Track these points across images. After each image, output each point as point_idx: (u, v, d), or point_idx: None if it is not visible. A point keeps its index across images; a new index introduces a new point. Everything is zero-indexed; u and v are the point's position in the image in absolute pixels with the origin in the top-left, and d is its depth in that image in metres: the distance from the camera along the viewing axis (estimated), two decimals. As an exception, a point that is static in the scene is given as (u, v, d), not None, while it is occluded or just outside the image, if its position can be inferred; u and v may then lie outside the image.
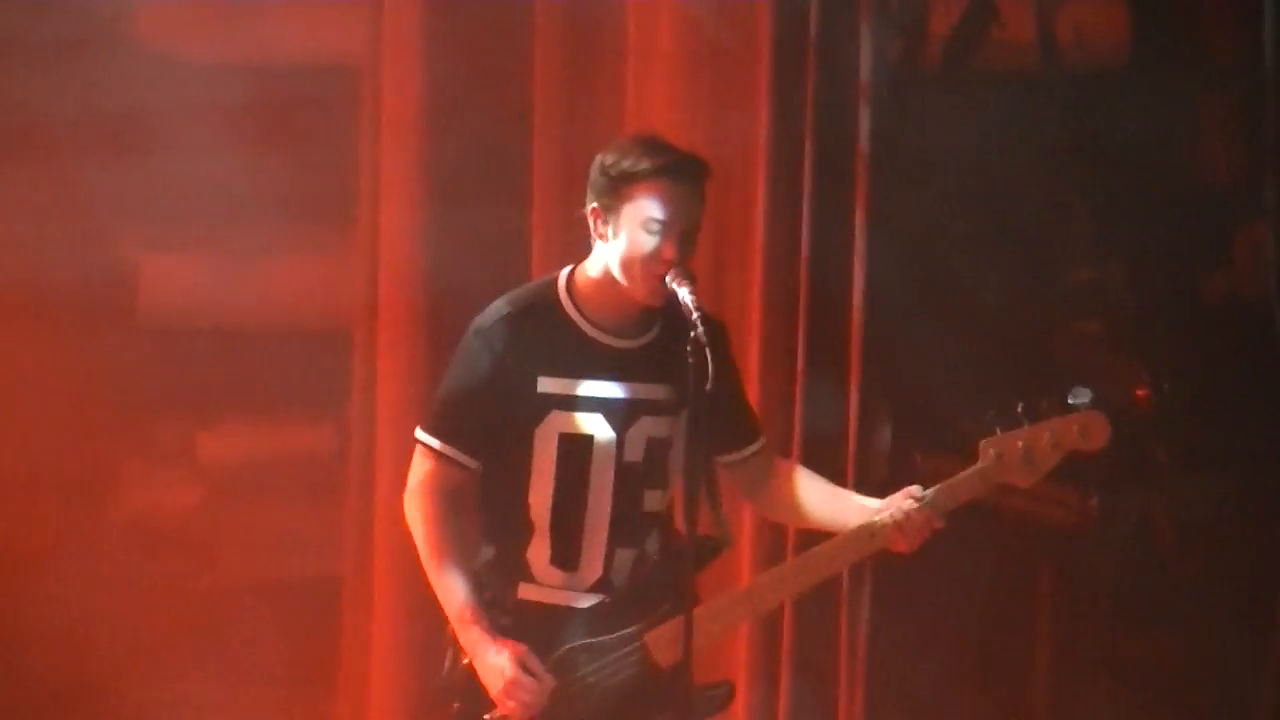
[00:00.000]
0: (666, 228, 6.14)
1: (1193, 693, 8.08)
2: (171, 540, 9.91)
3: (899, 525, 6.21)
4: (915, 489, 6.25)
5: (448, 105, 9.05)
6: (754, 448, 6.51)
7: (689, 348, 5.97)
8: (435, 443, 6.38)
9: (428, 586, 6.50)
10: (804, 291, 8.12)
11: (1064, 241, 8.29)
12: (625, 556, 6.34)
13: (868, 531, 6.23)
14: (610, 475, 6.32)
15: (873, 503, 6.30)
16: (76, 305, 9.58)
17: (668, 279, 6.12)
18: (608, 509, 6.33)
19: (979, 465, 6.23)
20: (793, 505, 6.53)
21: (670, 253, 6.12)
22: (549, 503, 6.34)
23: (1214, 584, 8.04)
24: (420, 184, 9.09)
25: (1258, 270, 7.94)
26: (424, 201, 9.08)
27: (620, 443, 6.32)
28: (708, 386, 5.95)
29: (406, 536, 8.52)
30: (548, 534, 6.35)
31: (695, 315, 6.00)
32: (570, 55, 8.85)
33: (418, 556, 6.46)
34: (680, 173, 6.21)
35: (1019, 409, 6.23)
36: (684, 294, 6.06)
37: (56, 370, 9.55)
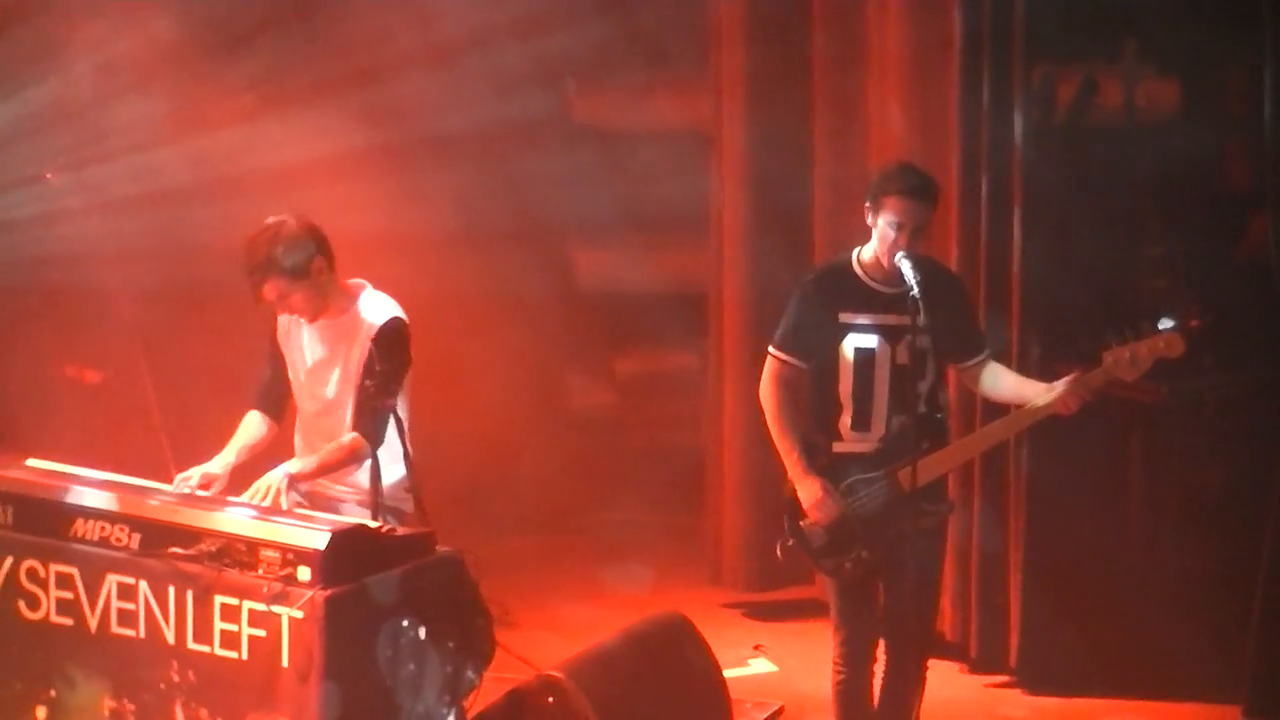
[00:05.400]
0: (901, 228, 6.27)
1: (1227, 505, 8.08)
2: (596, 425, 10.67)
3: (1063, 399, 6.26)
4: (1073, 376, 6.30)
5: (762, 154, 9.17)
6: (979, 358, 6.57)
7: (907, 303, 6.15)
8: (778, 352, 6.50)
9: (761, 456, 6.71)
10: (982, 264, 8.10)
11: (1142, 228, 8.20)
12: (898, 421, 6.39)
13: (1046, 401, 6.30)
14: (887, 371, 6.39)
15: (1046, 385, 6.36)
16: (540, 282, 10.30)
17: (898, 258, 6.23)
18: (887, 392, 6.40)
19: (1103, 366, 6.31)
20: (1002, 391, 6.55)
21: (902, 244, 6.26)
22: (851, 390, 6.42)
23: (1240, 439, 7.98)
24: (746, 204, 9.25)
25: (1265, 243, 7.75)
26: (748, 216, 9.26)
27: (892, 352, 6.38)
28: (921, 323, 6.15)
29: (744, 422, 8.59)
30: (851, 409, 6.45)
31: (914, 280, 6.13)
32: (834, 128, 8.92)
33: (753, 435, 6.76)
34: (915, 193, 6.31)
35: (1128, 331, 6.31)
36: (906, 269, 6.19)
37: (527, 321, 10.14)
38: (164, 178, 9.00)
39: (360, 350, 6.24)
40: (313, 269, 6.32)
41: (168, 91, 9.02)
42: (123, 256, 8.67)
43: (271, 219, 6.35)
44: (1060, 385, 6.36)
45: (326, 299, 6.42)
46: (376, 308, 6.43)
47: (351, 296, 6.48)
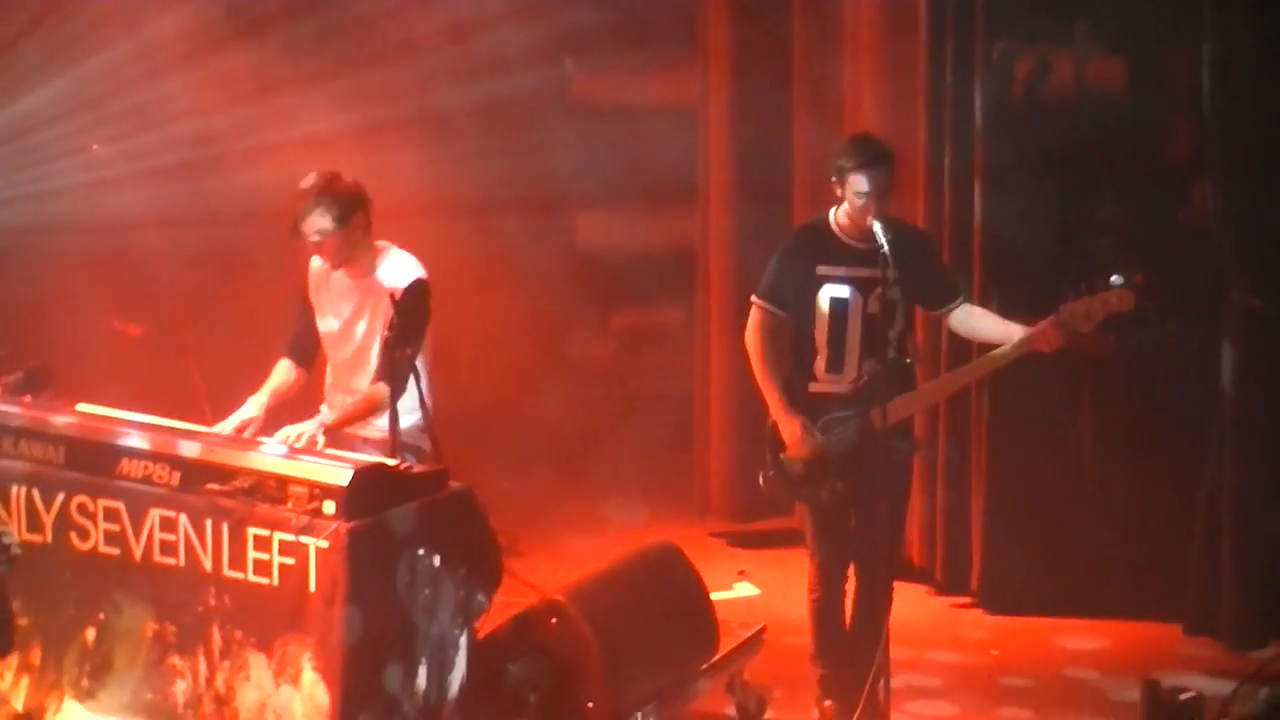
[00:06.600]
0: (868, 196, 6.34)
1: (1168, 444, 8.07)
2: (595, 373, 10.70)
3: (1044, 336, 6.33)
4: (1048, 320, 6.33)
5: (745, 126, 9.19)
6: (955, 304, 6.61)
7: (878, 259, 6.23)
8: (761, 301, 6.57)
9: (743, 400, 6.75)
10: (947, 226, 8.17)
11: (1092, 194, 8.10)
12: (869, 364, 6.43)
13: (1027, 341, 6.36)
14: (859, 319, 6.46)
15: (1023, 328, 6.40)
16: (544, 244, 10.23)
17: (869, 219, 6.31)
18: (859, 338, 6.47)
19: (1060, 317, 6.33)
20: (982, 332, 6.61)
21: (871, 209, 6.33)
22: (826, 336, 6.50)
23: (1179, 384, 8.04)
24: (730, 173, 9.28)
25: (1204, 208, 7.85)
26: (732, 183, 9.27)
27: (864, 301, 6.45)
28: (892, 277, 6.22)
29: (728, 370, 8.65)
30: (825, 353, 6.52)
31: (885, 239, 6.20)
32: (811, 102, 8.93)
33: (736, 381, 6.74)
34: (875, 163, 6.37)
35: (1083, 287, 6.36)
36: (878, 229, 6.25)
37: (532, 279, 10.05)
38: (200, 149, 9.07)
39: (385, 306, 6.21)
40: (352, 221, 6.35)
41: (205, 68, 9.06)
42: (163, 221, 8.72)
43: (328, 171, 6.41)
44: (1038, 327, 6.42)
45: (355, 252, 6.43)
46: (401, 268, 6.44)
47: (378, 256, 6.50)
